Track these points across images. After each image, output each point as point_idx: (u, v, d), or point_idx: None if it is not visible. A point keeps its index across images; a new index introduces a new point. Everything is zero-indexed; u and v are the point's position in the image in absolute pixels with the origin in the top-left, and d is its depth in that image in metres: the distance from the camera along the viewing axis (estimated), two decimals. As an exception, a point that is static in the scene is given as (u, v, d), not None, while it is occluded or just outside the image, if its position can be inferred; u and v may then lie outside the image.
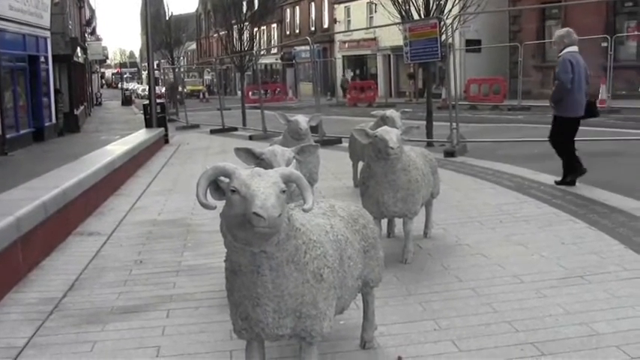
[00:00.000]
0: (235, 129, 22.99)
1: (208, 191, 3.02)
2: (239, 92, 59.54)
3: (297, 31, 57.33)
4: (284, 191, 2.86)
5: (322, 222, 3.44)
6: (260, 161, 4.51)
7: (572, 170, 9.00)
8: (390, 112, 8.69)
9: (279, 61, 59.19)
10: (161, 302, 5.27)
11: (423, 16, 14.35)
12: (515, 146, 14.47)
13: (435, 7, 14.19)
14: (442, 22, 13.36)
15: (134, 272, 6.16)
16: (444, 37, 13.31)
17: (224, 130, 22.78)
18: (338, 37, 49.92)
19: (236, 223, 2.85)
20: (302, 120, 7.50)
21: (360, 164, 7.98)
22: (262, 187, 2.78)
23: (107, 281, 5.92)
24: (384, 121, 8.51)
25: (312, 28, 53.92)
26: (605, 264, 5.61)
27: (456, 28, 14.65)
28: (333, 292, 3.31)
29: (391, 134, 5.49)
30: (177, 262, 6.46)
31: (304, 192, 3.03)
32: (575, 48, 8.81)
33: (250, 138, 19.46)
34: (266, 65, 59.54)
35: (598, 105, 21.83)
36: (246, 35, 25.21)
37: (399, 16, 15.25)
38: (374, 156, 5.65)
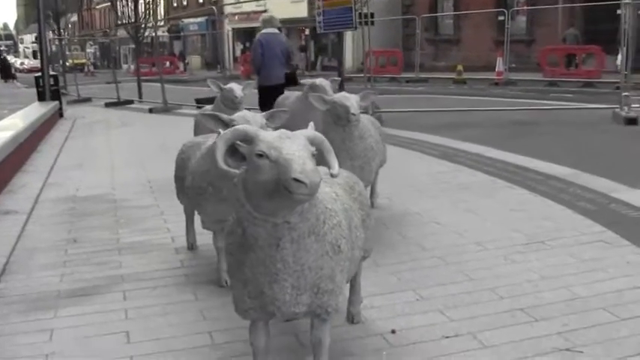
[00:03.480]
0: (131, 102, 22.11)
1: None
2: (124, 65, 57.72)
3: (185, 2, 55.90)
4: (314, 155, 2.60)
5: (328, 190, 3.19)
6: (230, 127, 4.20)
7: None
8: (320, 81, 8.43)
9: (167, 33, 57.53)
10: (112, 283, 4.86)
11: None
12: (423, 116, 14.50)
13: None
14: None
15: (71, 252, 5.69)
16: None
17: (120, 104, 21.87)
18: (227, 10, 48.98)
19: (264, 190, 2.56)
20: (237, 88, 7.19)
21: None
22: (296, 151, 2.51)
23: (43, 263, 5.42)
24: (313, 89, 8.26)
25: (200, 0, 52.69)
26: (560, 229, 5.64)
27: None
28: (347, 264, 3.09)
29: (351, 100, 5.28)
30: (115, 239, 6.03)
31: (329, 156, 2.77)
32: (270, 30, 10.44)
33: (150, 111, 18.77)
34: (152, 37, 57.65)
35: (495, 77, 22.75)
36: (142, 6, 24.21)
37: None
38: (331, 123, 5.42)
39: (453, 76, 25.35)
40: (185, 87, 29.93)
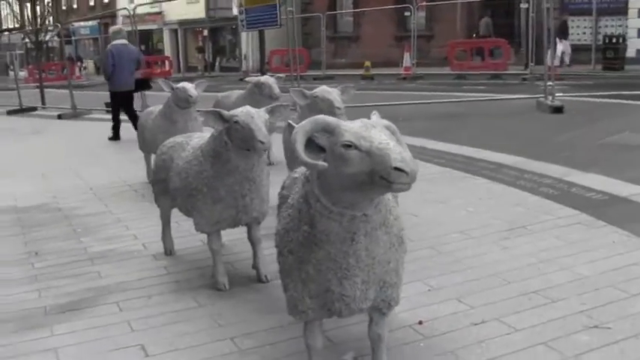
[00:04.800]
0: (34, 109, 21.12)
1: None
2: (10, 72, 55.05)
3: (75, 5, 53.98)
4: (396, 145, 2.51)
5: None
6: (233, 124, 4.05)
7: (116, 130, 12.32)
8: (265, 79, 8.34)
9: (57, 37, 55.36)
10: (99, 295, 4.59)
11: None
12: (349, 112, 14.52)
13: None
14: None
15: (38, 265, 5.34)
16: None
17: (22, 111, 20.83)
18: (121, 12, 47.63)
19: (353, 182, 2.45)
20: (190, 87, 6.98)
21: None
22: (389, 140, 2.42)
23: (13, 278, 5.06)
24: (259, 87, 8.17)
25: (92, 3, 51.10)
26: (536, 214, 5.77)
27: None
28: (404, 256, 3.03)
29: (334, 94, 5.23)
30: (81, 249, 5.70)
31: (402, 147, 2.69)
32: (121, 41, 11.62)
33: (59, 117, 17.98)
34: (41, 42, 55.37)
35: (403, 72, 23.14)
36: (41, 9, 23.17)
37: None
38: (311, 118, 5.32)
39: (358, 72, 25.56)
40: (84, 92, 28.84)
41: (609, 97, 13.74)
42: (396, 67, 25.10)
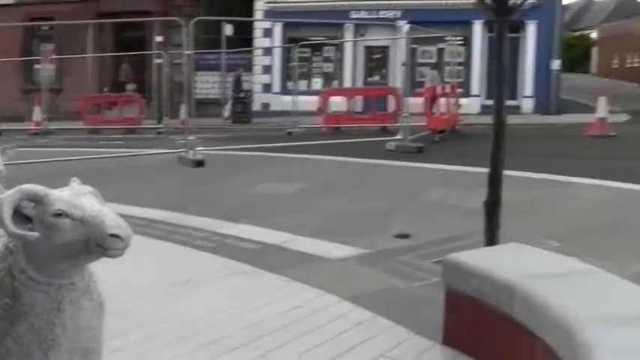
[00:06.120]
0: None
1: None
2: None
3: None
4: (103, 212, 2.52)
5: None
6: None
7: None
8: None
9: None
10: None
11: None
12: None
13: None
14: None
15: None
16: None
17: None
18: None
19: (66, 251, 2.39)
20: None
21: None
22: (102, 207, 2.43)
23: None
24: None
25: None
26: (196, 267, 5.93)
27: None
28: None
29: (-8, 157, 4.88)
30: None
31: None
32: None
33: None
34: None
35: (34, 127, 22.07)
36: None
37: None
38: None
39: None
40: None
41: (244, 149, 14.83)
42: (24, 121, 23.94)
